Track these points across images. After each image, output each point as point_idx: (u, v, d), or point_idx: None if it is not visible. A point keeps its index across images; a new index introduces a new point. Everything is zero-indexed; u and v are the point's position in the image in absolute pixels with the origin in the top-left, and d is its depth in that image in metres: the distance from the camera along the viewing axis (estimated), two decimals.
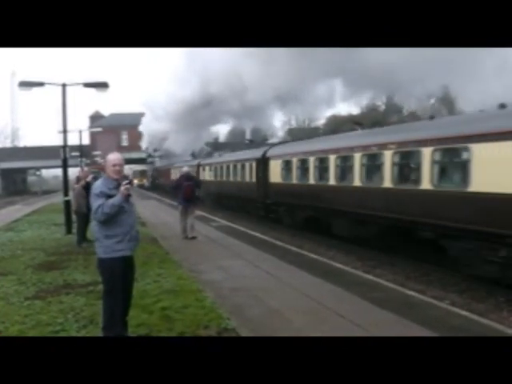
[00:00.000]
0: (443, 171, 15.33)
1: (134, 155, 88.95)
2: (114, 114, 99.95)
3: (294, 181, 25.44)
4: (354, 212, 19.66)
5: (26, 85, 23.05)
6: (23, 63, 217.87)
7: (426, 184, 15.39)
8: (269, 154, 29.42)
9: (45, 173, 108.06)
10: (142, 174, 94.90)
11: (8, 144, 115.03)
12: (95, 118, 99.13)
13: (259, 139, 69.72)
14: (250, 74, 42.01)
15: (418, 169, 15.82)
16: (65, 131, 24.05)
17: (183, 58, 59.23)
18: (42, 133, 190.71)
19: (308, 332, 8.51)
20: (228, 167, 38.38)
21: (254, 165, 31.79)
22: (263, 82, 42.15)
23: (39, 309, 10.26)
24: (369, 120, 50.84)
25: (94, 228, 7.91)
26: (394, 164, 17.17)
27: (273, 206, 28.72)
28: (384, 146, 17.68)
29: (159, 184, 74.76)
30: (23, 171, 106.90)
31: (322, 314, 9.75)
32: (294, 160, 25.45)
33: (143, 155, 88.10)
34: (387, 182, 17.36)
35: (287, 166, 26.58)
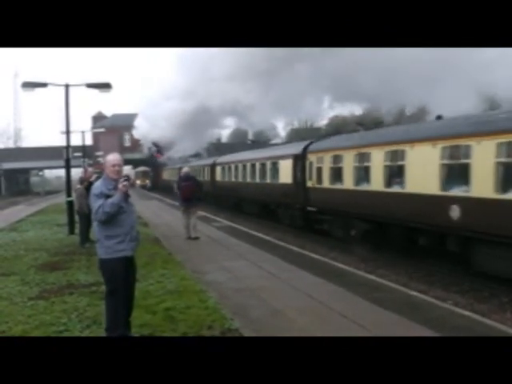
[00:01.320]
0: (274, 173, 29.54)
1: (137, 156, 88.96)
2: (116, 114, 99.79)
3: (226, 179, 40.86)
4: (248, 198, 35.15)
5: (29, 85, 23.06)
6: (26, 64, 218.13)
7: (268, 180, 30.72)
8: (216, 161, 44.80)
9: (47, 173, 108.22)
10: (145, 174, 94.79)
11: (11, 144, 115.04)
12: (98, 119, 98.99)
13: (262, 139, 69.82)
14: (249, 98, 49.12)
15: (266, 172, 31.00)
16: (68, 132, 24.08)
17: (182, 76, 60.63)
18: (44, 133, 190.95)
19: (311, 332, 8.50)
20: (195, 170, 50.15)
21: (208, 168, 46.90)
22: (263, 105, 50.09)
23: (43, 309, 10.26)
24: (371, 120, 50.82)
25: (95, 229, 7.94)
26: (260, 169, 32.24)
27: (218, 197, 43.72)
28: (256, 160, 33.31)
29: (156, 183, 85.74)
30: (26, 172, 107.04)
31: (324, 315, 9.76)
32: (226, 166, 41.19)
33: (145, 156, 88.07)
34: (257, 179, 32.72)
35: (223, 170, 42.10)
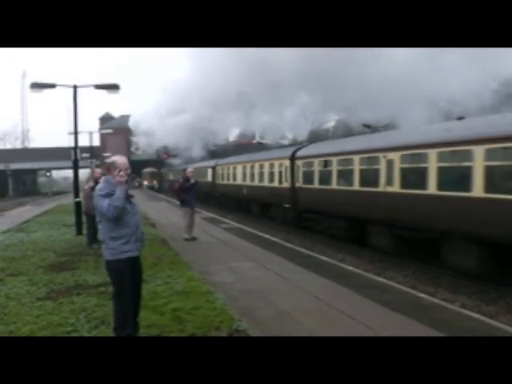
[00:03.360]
0: (205, 175, 52.31)
1: (144, 156, 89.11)
2: (124, 115, 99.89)
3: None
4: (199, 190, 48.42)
5: (37, 86, 23.10)
6: (34, 65, 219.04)
7: (203, 179, 50.35)
8: (186, 167, 60.42)
9: (55, 174, 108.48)
10: (152, 175, 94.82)
11: (18, 145, 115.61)
12: (105, 120, 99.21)
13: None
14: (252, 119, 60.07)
15: (203, 174, 52.26)
16: (76, 132, 24.12)
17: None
18: (52, 134, 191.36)
19: (319, 334, 8.49)
20: (173, 172, 72.37)
21: (181, 171, 61.34)
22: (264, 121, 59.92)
23: (50, 309, 10.27)
24: (377, 123, 51.20)
25: (100, 230, 7.91)
26: (200, 172, 49.80)
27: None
28: (200, 167, 53.81)
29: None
30: (33, 172, 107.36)
31: (332, 316, 9.74)
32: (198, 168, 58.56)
33: (153, 157, 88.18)
34: (200, 179, 43.81)
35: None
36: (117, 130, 77.52)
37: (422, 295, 11.78)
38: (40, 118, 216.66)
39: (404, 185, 17.75)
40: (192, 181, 20.58)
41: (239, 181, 39.93)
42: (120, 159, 7.93)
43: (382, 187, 18.91)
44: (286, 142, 62.72)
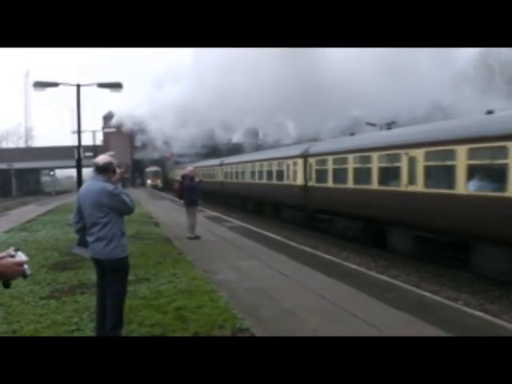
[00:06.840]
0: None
1: (147, 156, 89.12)
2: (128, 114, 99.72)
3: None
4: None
5: (40, 85, 23.10)
6: (37, 64, 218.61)
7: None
8: (185, 166, 62.68)
9: (58, 173, 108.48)
10: (156, 174, 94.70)
11: (22, 144, 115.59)
12: (108, 118, 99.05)
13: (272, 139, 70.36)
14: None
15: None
16: (79, 131, 24.13)
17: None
18: (55, 133, 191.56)
19: (323, 333, 8.49)
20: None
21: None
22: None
23: (54, 308, 10.26)
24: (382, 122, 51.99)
25: (111, 228, 7.69)
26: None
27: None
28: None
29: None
30: (37, 171, 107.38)
31: (336, 315, 9.73)
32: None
33: (157, 156, 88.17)
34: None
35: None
36: (120, 128, 77.57)
37: (426, 293, 11.78)
38: (43, 117, 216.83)
39: None
40: (196, 179, 20.66)
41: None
42: (112, 158, 7.96)
43: None
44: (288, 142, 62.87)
